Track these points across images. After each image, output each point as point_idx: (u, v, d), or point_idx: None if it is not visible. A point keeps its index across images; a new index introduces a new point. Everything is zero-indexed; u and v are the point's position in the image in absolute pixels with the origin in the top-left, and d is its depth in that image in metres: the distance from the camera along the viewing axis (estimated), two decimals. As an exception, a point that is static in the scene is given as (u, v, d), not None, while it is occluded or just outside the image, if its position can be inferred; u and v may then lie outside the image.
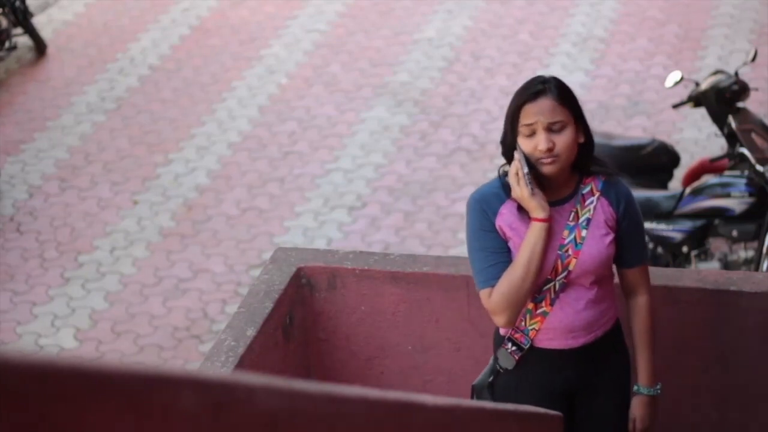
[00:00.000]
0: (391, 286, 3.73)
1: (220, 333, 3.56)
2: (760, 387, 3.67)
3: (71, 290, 6.47)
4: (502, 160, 3.08)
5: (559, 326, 3.04)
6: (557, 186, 3.02)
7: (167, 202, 7.25)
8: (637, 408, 3.22)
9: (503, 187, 3.03)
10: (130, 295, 6.42)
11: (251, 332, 3.49)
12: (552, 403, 3.07)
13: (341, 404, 1.26)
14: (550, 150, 2.90)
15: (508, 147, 2.98)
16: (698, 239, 5.81)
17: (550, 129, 2.90)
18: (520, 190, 2.92)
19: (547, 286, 3.01)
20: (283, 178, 7.47)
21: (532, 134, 2.91)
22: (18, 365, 0.80)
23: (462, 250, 6.75)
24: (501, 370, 3.11)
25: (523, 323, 3.05)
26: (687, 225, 5.79)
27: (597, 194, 3.05)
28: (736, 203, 5.72)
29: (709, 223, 5.79)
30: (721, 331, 3.60)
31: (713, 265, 5.79)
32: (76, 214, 7.16)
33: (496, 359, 3.12)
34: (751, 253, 5.81)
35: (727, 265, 5.79)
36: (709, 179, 5.84)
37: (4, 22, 8.77)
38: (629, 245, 3.10)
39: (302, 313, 3.80)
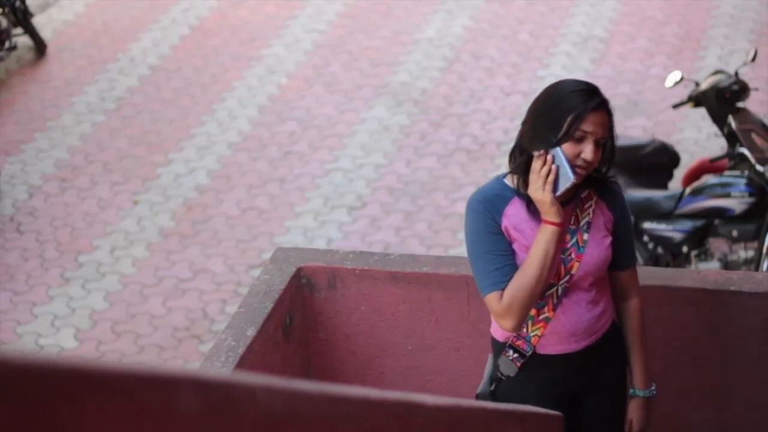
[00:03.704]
0: (391, 286, 3.73)
1: (220, 333, 3.56)
2: (760, 387, 3.67)
3: (71, 290, 6.46)
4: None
5: (562, 330, 3.03)
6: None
7: (167, 202, 7.25)
8: (634, 410, 3.23)
9: (507, 188, 2.97)
10: (130, 295, 6.41)
11: (251, 332, 3.49)
12: (556, 407, 3.08)
13: (341, 404, 1.26)
14: (592, 162, 2.87)
15: (543, 144, 2.84)
16: (698, 239, 5.81)
17: (598, 143, 2.86)
18: (543, 191, 2.83)
19: (550, 291, 2.99)
20: (283, 178, 7.47)
21: (581, 141, 2.84)
22: (18, 365, 0.80)
23: (462, 250, 6.77)
24: (503, 378, 3.10)
25: (525, 330, 3.03)
26: (687, 225, 5.79)
27: (594, 198, 3.04)
28: (736, 203, 5.72)
29: (709, 223, 5.79)
30: (721, 331, 3.60)
31: (713, 265, 5.79)
32: (76, 214, 7.16)
33: (497, 366, 3.10)
34: (751, 253, 5.81)
35: (727, 265, 5.79)
36: (709, 179, 5.84)
37: (4, 22, 8.77)
38: (622, 248, 3.10)
39: (302, 313, 3.80)
